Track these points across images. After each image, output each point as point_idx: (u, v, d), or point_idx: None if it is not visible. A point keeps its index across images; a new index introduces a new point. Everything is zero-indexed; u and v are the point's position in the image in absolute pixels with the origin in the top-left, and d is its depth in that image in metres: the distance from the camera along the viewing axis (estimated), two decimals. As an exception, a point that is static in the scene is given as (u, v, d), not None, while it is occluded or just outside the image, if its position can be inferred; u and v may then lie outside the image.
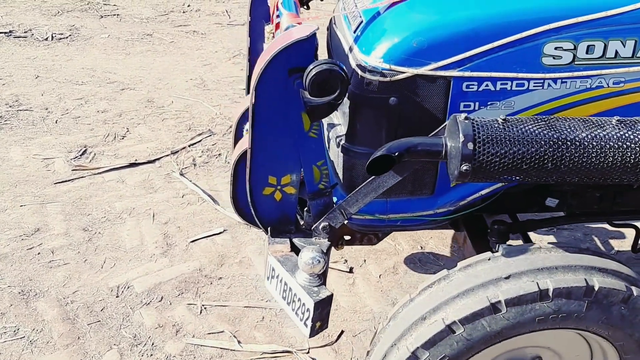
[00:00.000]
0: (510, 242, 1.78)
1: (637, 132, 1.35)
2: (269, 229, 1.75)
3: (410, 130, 1.60)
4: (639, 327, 1.52)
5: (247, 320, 2.41)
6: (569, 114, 1.55)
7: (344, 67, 1.43)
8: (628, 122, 1.37)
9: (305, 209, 1.79)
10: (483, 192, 1.68)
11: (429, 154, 1.39)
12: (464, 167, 1.33)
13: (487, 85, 1.51)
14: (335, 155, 1.76)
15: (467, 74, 1.49)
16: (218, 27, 5.37)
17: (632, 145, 1.34)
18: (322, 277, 1.61)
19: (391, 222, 1.78)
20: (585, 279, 1.43)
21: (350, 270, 2.69)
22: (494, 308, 1.43)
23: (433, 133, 1.50)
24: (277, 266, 1.67)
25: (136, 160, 3.41)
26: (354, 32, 1.63)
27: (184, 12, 5.68)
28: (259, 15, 2.00)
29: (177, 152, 3.52)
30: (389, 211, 1.75)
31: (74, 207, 3.02)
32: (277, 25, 1.85)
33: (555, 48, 1.47)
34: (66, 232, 2.84)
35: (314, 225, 1.72)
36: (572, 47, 1.47)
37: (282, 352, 2.28)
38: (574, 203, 1.86)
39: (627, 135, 1.35)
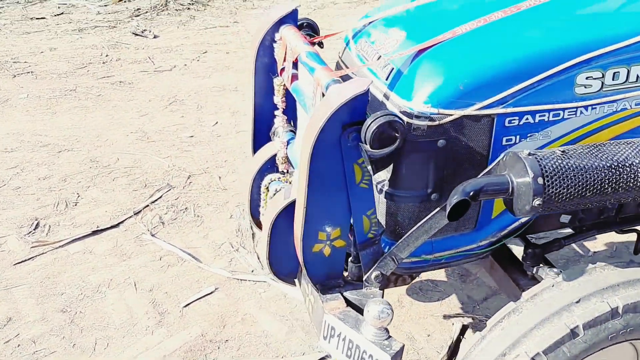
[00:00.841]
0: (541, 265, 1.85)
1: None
2: (317, 286, 1.69)
3: (456, 170, 1.62)
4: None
5: (269, 380, 2.32)
6: (599, 137, 1.64)
7: (400, 117, 1.43)
8: None
9: (350, 259, 1.76)
10: (523, 219, 1.73)
11: (497, 192, 1.41)
12: (537, 202, 1.37)
13: (527, 119, 1.57)
14: (377, 201, 1.74)
15: (510, 109, 1.54)
16: (145, 75, 5.18)
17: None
18: (387, 330, 1.58)
19: (435, 261, 1.79)
20: (648, 293, 1.51)
21: (356, 310, 2.66)
22: (572, 333, 1.47)
23: (487, 170, 1.53)
24: (338, 324, 1.62)
25: (98, 226, 3.19)
26: (386, 80, 1.63)
27: (103, 62, 5.43)
28: (264, 68, 1.94)
29: (139, 212, 3.33)
30: (435, 250, 1.75)
31: (43, 287, 2.76)
32: (293, 78, 1.82)
33: (587, 78, 1.56)
34: (43, 317, 2.59)
35: (366, 275, 1.69)
36: (601, 75, 1.56)
37: (316, 408, 2.20)
38: (584, 216, 1.96)
39: None
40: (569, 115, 1.59)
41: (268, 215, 1.76)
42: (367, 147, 1.42)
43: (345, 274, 1.78)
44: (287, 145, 1.93)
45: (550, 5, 1.67)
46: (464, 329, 1.83)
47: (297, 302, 2.69)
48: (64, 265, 2.91)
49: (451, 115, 1.51)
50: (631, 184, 1.44)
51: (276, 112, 1.95)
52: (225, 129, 4.30)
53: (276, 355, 2.43)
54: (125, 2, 6.83)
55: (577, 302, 1.51)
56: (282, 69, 1.89)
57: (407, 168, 1.60)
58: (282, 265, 1.85)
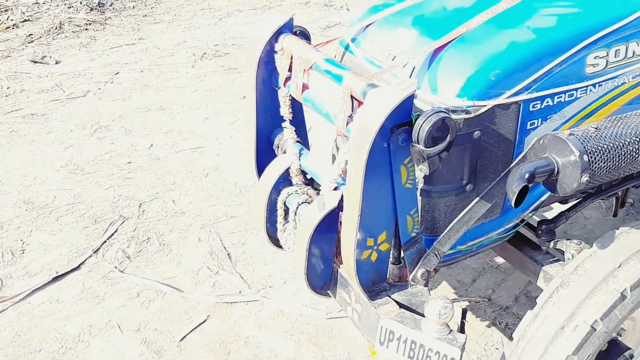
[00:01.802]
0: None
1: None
2: (366, 292, 1.67)
3: (488, 158, 1.67)
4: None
5: (293, 399, 2.25)
6: (605, 111, 1.76)
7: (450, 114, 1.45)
8: None
9: (390, 261, 1.75)
10: (543, 197, 1.82)
11: (545, 173, 1.47)
12: (584, 178, 1.45)
13: (547, 102, 1.64)
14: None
15: (534, 94, 1.60)
16: (57, 104, 4.82)
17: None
18: (448, 325, 1.59)
19: (468, 250, 1.83)
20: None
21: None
22: (622, 297, 1.56)
23: (522, 155, 1.59)
24: (397, 327, 1.61)
25: (57, 272, 2.94)
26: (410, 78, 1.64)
27: (6, 96, 4.98)
28: (263, 81, 1.88)
29: (98, 249, 3.10)
30: (467, 240, 1.79)
31: (16, 347, 2.50)
32: (304, 87, 1.78)
33: (594, 57, 1.66)
34: (25, 380, 2.35)
35: (412, 274, 1.70)
36: (606, 54, 1.67)
37: (349, 417, 2.17)
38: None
39: None
40: (580, 94, 1.69)
41: (304, 229, 1.70)
42: (421, 146, 1.42)
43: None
44: (300, 156, 1.88)
45: None
46: (464, 312, 1.87)
47: (296, 315, 2.64)
48: (31, 319, 2.65)
49: (485, 105, 1.56)
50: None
51: (284, 125, 1.89)
52: (163, 150, 4.11)
53: (292, 372, 2.37)
54: (13, 28, 6.31)
55: (619, 267, 1.61)
56: (287, 79, 1.84)
57: (444, 163, 1.62)
58: (317, 278, 1.81)
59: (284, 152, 1.96)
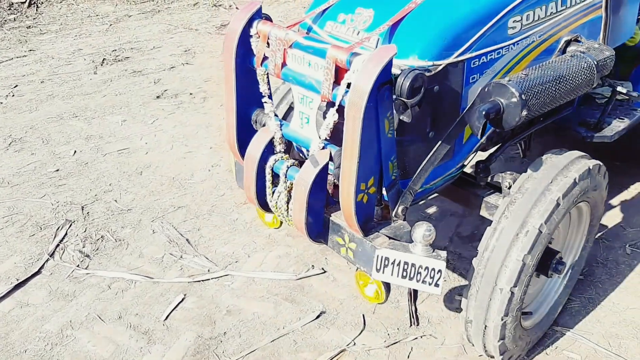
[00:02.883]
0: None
1: (581, 60, 2.10)
2: (360, 230, 1.98)
3: (443, 109, 2.05)
4: (601, 187, 2.30)
5: (286, 350, 2.51)
6: (521, 65, 2.21)
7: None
8: (575, 55, 2.10)
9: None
10: (482, 139, 2.24)
11: (494, 112, 1.87)
12: (524, 113, 1.87)
13: (483, 59, 2.05)
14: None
15: (474, 54, 2.00)
16: (-42, 122, 4.61)
17: (583, 67, 2.08)
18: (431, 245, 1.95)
19: (432, 188, 2.21)
20: (587, 164, 2.13)
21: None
22: (557, 204, 2.01)
23: (473, 101, 1.98)
24: (391, 253, 1.94)
25: (17, 279, 2.93)
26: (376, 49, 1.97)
27: None
28: (240, 65, 2.11)
29: (53, 253, 3.12)
30: (430, 180, 2.16)
31: (1, 352, 2.51)
32: (283, 64, 2.04)
33: (513, 21, 2.09)
34: (20, 379, 2.39)
35: (394, 211, 2.04)
36: (520, 18, 2.12)
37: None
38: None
39: (579, 63, 2.09)
40: (505, 51, 2.12)
41: (301, 187, 1.97)
42: (404, 98, 1.76)
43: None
44: (281, 127, 2.15)
45: None
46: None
47: (267, 281, 2.88)
48: (6, 324, 2.65)
49: (440, 65, 1.93)
50: (570, 88, 2.04)
51: (264, 100, 2.14)
52: (89, 155, 4.12)
53: (277, 328, 2.62)
54: None
55: (551, 182, 2.06)
56: (263, 60, 2.09)
57: (413, 115, 1.97)
58: (313, 229, 2.08)
59: (263, 126, 2.21)
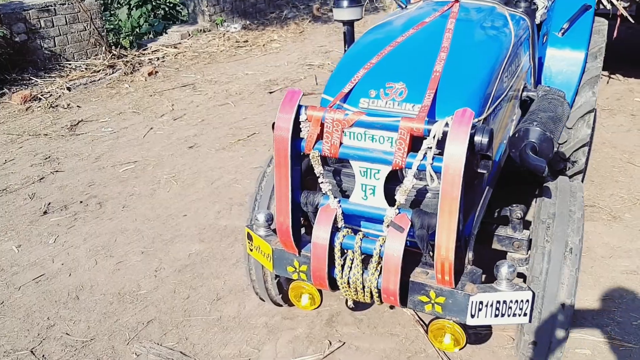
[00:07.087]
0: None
1: (555, 95, 2.58)
2: (449, 284, 2.11)
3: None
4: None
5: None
6: (507, 113, 2.59)
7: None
8: (547, 94, 2.58)
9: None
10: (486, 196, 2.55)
11: (533, 151, 2.19)
12: (556, 145, 2.22)
13: (496, 110, 2.38)
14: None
15: (494, 105, 2.32)
16: None
17: (561, 101, 2.56)
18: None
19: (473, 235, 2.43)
20: (580, 184, 2.55)
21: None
22: (581, 220, 2.38)
23: (507, 145, 2.27)
24: (484, 296, 2.09)
25: None
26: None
27: None
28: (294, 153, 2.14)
29: None
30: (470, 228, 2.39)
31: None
32: (339, 145, 2.11)
33: (505, 76, 2.47)
34: None
35: (467, 258, 2.22)
36: (507, 73, 2.51)
37: None
38: None
39: (557, 98, 2.56)
40: (504, 104, 2.48)
41: (393, 253, 2.03)
42: (483, 152, 1.97)
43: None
44: (340, 203, 2.20)
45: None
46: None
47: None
48: None
49: (481, 119, 2.20)
50: (564, 117, 2.48)
51: (320, 181, 2.17)
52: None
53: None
54: None
55: (570, 203, 2.43)
56: (315, 143, 2.14)
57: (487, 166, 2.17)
58: (402, 293, 2.14)
59: (315, 206, 2.23)
